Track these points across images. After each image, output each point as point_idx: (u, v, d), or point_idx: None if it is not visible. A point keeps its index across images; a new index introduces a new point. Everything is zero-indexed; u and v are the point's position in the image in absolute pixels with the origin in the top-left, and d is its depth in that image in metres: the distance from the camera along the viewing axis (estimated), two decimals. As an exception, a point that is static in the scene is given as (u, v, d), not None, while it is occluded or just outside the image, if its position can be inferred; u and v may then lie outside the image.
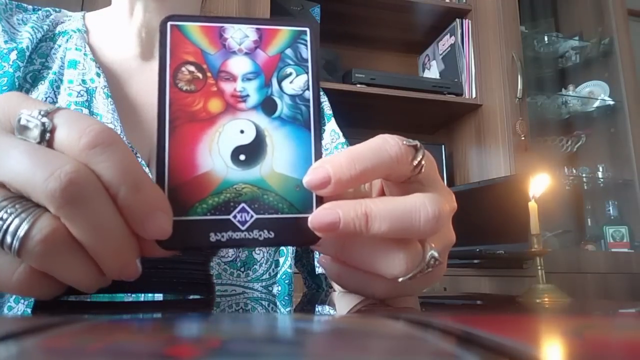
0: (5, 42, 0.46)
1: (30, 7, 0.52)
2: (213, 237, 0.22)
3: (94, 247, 0.20)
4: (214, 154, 0.23)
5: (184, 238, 0.22)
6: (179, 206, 0.22)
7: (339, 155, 0.23)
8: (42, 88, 0.46)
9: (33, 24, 0.49)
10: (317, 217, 0.23)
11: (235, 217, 0.23)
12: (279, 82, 0.24)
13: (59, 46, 0.49)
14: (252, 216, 0.23)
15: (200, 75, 0.23)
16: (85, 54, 0.49)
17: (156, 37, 0.51)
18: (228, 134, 0.23)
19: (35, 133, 0.20)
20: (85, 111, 0.45)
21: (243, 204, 0.23)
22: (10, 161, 0.19)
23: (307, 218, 0.23)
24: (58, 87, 0.46)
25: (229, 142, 0.23)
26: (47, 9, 0.53)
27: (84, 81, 0.47)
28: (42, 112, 0.20)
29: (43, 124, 0.20)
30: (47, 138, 0.20)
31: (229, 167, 0.23)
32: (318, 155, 0.24)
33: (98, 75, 0.48)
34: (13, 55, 0.45)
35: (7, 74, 0.44)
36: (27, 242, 0.19)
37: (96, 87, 0.47)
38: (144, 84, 0.51)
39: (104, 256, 0.20)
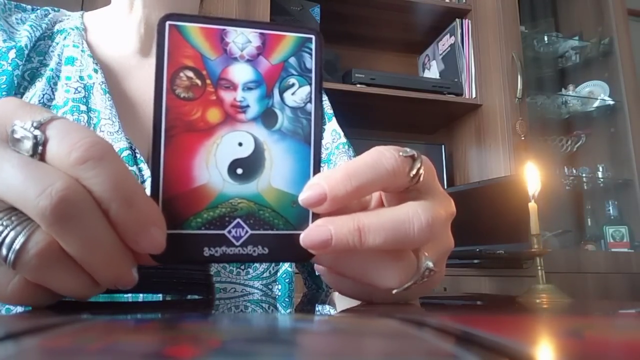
0: (4, 40, 0.46)
1: (29, 7, 0.52)
2: (207, 252, 0.22)
3: (86, 262, 0.20)
4: (211, 167, 0.22)
5: (178, 252, 0.22)
6: (173, 219, 0.21)
7: (334, 171, 0.23)
8: (39, 85, 0.45)
9: (32, 23, 0.49)
10: (308, 235, 0.22)
11: (229, 232, 0.22)
12: (281, 93, 0.23)
13: (57, 44, 0.49)
14: (246, 232, 0.23)
15: (199, 82, 0.22)
16: (82, 51, 0.49)
17: (155, 33, 0.50)
18: (226, 146, 0.22)
19: (27, 146, 0.20)
20: (83, 107, 0.45)
21: (238, 219, 0.22)
22: (3, 174, 0.19)
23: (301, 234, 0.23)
24: (55, 84, 0.46)
25: (227, 155, 0.22)
26: (45, 8, 0.53)
27: (81, 77, 0.47)
28: (34, 124, 0.20)
29: (35, 136, 0.20)
30: (39, 151, 0.20)
31: (226, 181, 0.22)
32: (316, 171, 0.24)
33: (95, 71, 0.48)
34: (12, 54, 0.45)
35: (6, 73, 0.44)
36: (22, 255, 0.19)
37: (94, 84, 0.47)
38: (143, 80, 0.51)
39: (97, 269, 0.20)
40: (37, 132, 0.20)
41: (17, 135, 0.20)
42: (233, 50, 0.23)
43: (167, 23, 0.22)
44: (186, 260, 0.23)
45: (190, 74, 0.22)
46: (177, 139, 0.22)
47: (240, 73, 0.23)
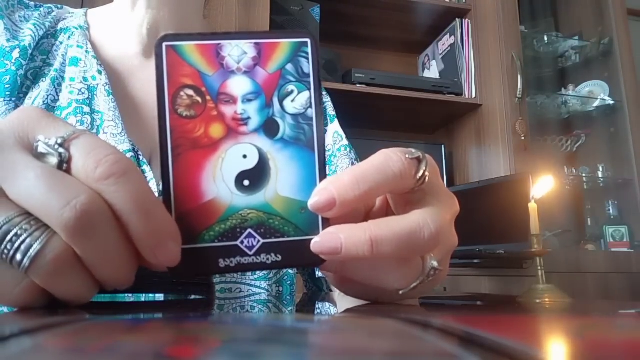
0: (8, 40, 0.46)
1: (32, 3, 0.52)
2: (222, 263, 0.23)
3: (97, 268, 0.21)
4: (218, 181, 0.23)
5: (194, 265, 0.22)
6: (187, 234, 0.22)
7: (342, 175, 0.23)
8: (44, 85, 0.45)
9: (35, 21, 0.49)
10: (319, 243, 0.23)
11: (242, 242, 0.23)
12: (281, 102, 0.24)
13: (61, 43, 0.49)
14: (259, 241, 0.23)
15: (199, 99, 0.23)
16: (87, 52, 0.49)
17: (158, 33, 0.50)
18: (231, 159, 0.23)
19: (52, 162, 0.20)
20: (87, 109, 0.45)
21: (250, 230, 0.23)
22: (26, 183, 0.19)
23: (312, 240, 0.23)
24: (60, 85, 0.46)
25: (233, 168, 0.23)
26: (49, 5, 0.52)
27: (85, 78, 0.47)
28: (58, 141, 0.20)
29: (60, 154, 0.20)
30: (64, 168, 0.20)
31: (234, 194, 0.23)
32: (322, 176, 0.24)
33: (99, 72, 0.47)
34: (15, 53, 0.45)
35: (10, 72, 0.44)
36: (37, 262, 0.19)
37: (97, 85, 0.47)
38: (146, 81, 0.51)
39: (105, 275, 0.21)
40: (62, 150, 0.20)
41: (41, 151, 0.20)
42: (230, 63, 0.23)
43: (164, 44, 0.23)
44: (203, 272, 0.23)
45: (191, 92, 0.23)
46: (184, 157, 0.22)
47: (239, 86, 0.23)
